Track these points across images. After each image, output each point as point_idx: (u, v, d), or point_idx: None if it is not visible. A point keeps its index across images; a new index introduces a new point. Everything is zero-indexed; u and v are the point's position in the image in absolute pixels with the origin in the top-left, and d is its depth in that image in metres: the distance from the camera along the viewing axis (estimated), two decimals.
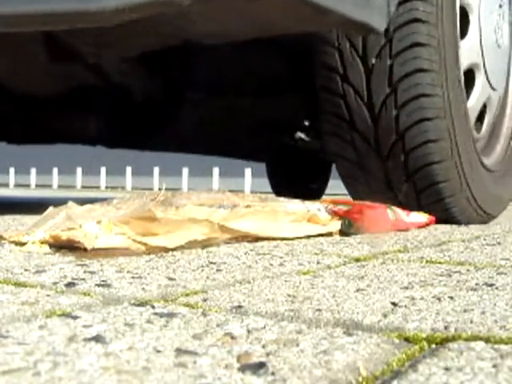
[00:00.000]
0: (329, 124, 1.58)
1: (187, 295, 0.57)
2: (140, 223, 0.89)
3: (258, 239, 1.03)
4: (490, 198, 1.77)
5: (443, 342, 0.42)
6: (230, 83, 1.89)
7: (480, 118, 1.80)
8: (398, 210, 1.35)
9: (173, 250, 0.87)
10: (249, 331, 0.44)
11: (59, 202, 1.01)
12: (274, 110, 1.97)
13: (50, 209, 0.96)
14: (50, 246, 0.87)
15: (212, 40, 1.39)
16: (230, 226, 0.97)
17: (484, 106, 1.81)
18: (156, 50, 1.53)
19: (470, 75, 1.69)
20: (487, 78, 1.76)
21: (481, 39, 1.70)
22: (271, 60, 1.76)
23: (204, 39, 1.40)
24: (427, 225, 1.44)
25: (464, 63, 1.62)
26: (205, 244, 0.93)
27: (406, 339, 0.43)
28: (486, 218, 1.76)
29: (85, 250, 0.84)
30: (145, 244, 0.87)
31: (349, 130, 1.55)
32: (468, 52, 1.65)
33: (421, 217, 1.43)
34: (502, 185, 1.92)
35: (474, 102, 1.72)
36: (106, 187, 8.93)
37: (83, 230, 0.87)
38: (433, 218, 1.46)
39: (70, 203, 0.98)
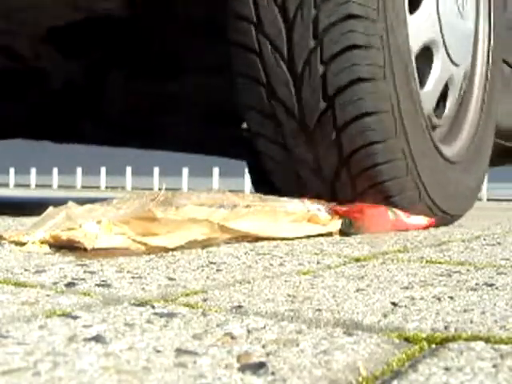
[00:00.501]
0: (244, 92, 1.28)
1: (187, 295, 0.57)
2: (140, 223, 0.89)
3: (258, 239, 1.03)
4: (452, 194, 1.50)
5: (443, 341, 0.42)
6: (161, 65, 1.66)
7: (441, 100, 1.50)
8: (398, 211, 1.35)
9: (173, 249, 0.87)
10: (249, 331, 0.43)
11: (59, 202, 1.01)
12: (214, 93, 1.66)
13: (50, 209, 0.96)
14: (50, 246, 0.87)
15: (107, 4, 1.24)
16: (230, 226, 0.97)
17: (446, 86, 1.50)
18: (66, 28, 1.39)
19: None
20: (447, 52, 1.46)
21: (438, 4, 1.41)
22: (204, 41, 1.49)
23: (96, 4, 1.24)
24: (427, 227, 1.44)
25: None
26: (205, 244, 0.93)
27: (406, 339, 0.43)
28: (445, 217, 1.49)
29: (85, 250, 0.84)
30: (145, 244, 0.87)
31: (268, 97, 1.26)
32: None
33: (421, 219, 1.42)
34: (467, 179, 1.59)
35: (433, 82, 1.42)
36: (106, 187, 8.92)
37: (83, 229, 0.87)
38: (432, 221, 1.46)
39: (70, 203, 0.98)
